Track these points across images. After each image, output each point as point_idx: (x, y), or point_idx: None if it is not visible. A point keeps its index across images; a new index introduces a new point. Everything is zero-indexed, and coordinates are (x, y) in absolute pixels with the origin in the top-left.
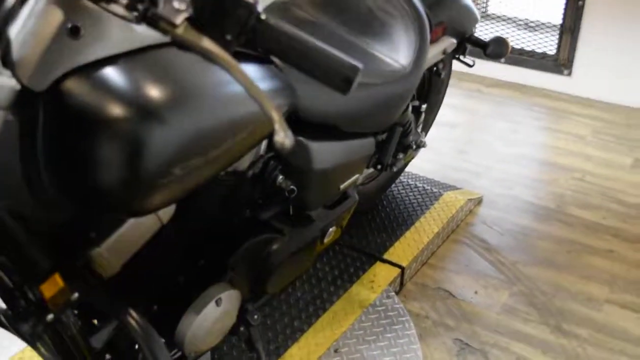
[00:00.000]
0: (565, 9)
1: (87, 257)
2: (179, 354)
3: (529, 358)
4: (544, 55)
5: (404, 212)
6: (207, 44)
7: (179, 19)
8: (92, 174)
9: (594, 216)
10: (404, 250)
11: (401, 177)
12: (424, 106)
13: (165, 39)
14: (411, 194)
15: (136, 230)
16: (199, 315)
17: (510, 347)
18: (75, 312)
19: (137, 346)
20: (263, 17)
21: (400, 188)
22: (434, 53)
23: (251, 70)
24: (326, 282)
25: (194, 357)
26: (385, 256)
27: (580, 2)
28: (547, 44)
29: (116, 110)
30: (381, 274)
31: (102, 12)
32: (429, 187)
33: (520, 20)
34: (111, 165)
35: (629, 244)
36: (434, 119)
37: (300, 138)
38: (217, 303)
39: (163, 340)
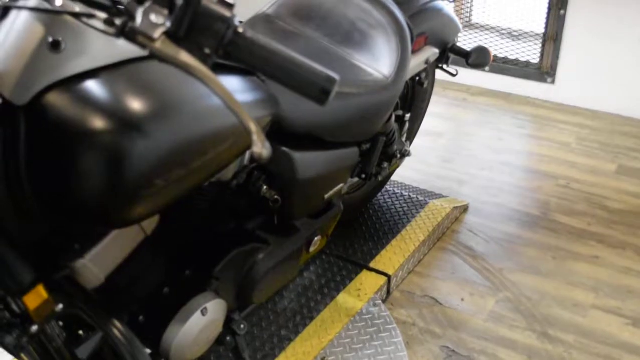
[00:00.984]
0: (548, 18)
1: (71, 268)
2: None
3: None
4: (527, 64)
5: (390, 221)
6: (185, 57)
7: (157, 33)
8: (74, 186)
9: (579, 223)
10: (390, 258)
11: (387, 186)
12: (407, 115)
13: (146, 52)
14: (397, 202)
15: (120, 241)
16: (184, 325)
17: (497, 353)
18: (61, 323)
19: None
20: (240, 30)
21: (386, 197)
22: (416, 63)
23: (233, 82)
24: (313, 291)
25: None
26: (372, 265)
27: (562, 11)
28: (531, 52)
29: (97, 123)
30: (368, 283)
31: (83, 26)
32: (414, 196)
33: (504, 29)
34: (93, 177)
35: (614, 250)
36: (418, 128)
37: (284, 148)
38: (203, 313)
39: (149, 350)
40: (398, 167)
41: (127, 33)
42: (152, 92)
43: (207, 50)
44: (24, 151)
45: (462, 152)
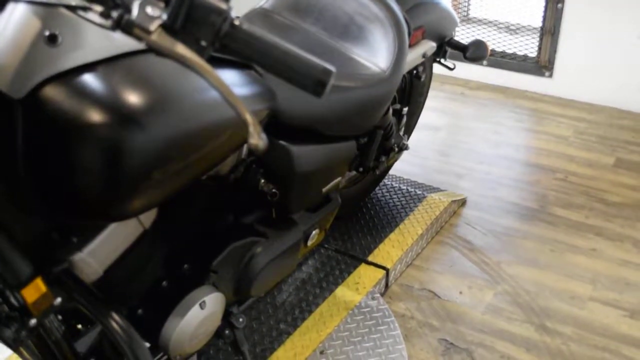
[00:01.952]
0: (545, 12)
1: (69, 262)
2: (165, 357)
3: (514, 356)
4: (525, 58)
5: (388, 215)
6: (182, 50)
7: (153, 26)
8: (72, 179)
9: (577, 215)
10: (388, 252)
11: (385, 180)
12: (405, 109)
13: (143, 45)
14: (395, 196)
15: (118, 235)
16: (183, 319)
17: (495, 346)
18: (59, 317)
19: (121, 351)
20: (236, 22)
21: (384, 190)
22: (413, 56)
23: (230, 75)
24: (311, 284)
25: None
26: (370, 258)
27: (560, 5)
28: (528, 46)
29: (94, 116)
30: (366, 276)
31: (79, 19)
32: (412, 190)
33: (501, 23)
34: (90, 170)
35: (611, 242)
36: (416, 121)
37: (282, 142)
38: (201, 306)
39: (148, 344)
40: (396, 160)
41: (124, 26)
42: (149, 85)
43: (204, 43)
44: (21, 144)
45: (460, 146)
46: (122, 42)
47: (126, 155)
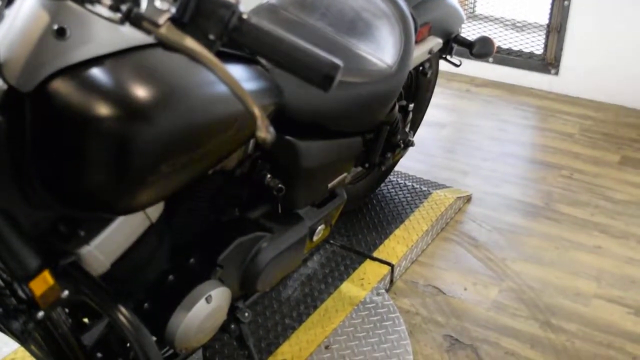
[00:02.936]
0: (552, 9)
1: (77, 255)
2: (171, 351)
3: (518, 353)
4: (531, 55)
5: (393, 211)
6: (190, 43)
7: (162, 19)
8: (80, 172)
9: (582, 213)
10: (393, 248)
11: (390, 176)
12: (411, 105)
13: (151, 39)
14: (400, 192)
15: (125, 228)
16: (189, 313)
17: (500, 342)
18: (67, 310)
19: (128, 344)
20: (245, 16)
21: (389, 187)
22: (419, 53)
23: (237, 70)
24: (316, 280)
25: (185, 355)
26: (375, 254)
27: (566, 2)
28: (534, 43)
29: (102, 109)
30: (371, 272)
31: (88, 13)
32: (418, 186)
33: (508, 20)
34: (98, 163)
35: (616, 240)
36: (422, 118)
37: (288, 137)
38: (207, 300)
39: (154, 337)
40: (401, 157)
41: (132, 19)
42: (157, 78)
43: (212, 36)
44: (29, 138)
45: (465, 143)
46: (130, 36)
47: (134, 148)
